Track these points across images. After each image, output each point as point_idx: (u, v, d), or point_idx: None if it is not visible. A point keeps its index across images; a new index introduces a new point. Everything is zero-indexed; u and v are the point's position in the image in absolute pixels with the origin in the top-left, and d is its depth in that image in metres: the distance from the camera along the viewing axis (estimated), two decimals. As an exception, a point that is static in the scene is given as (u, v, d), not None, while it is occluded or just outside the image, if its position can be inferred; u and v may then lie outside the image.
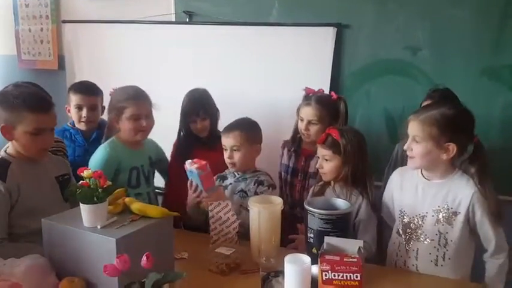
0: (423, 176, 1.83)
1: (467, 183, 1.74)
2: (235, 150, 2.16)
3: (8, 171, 1.76)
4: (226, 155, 2.19)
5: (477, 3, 2.51)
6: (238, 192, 2.17)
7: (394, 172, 2.00)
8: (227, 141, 2.18)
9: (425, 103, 2.25)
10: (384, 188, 2.04)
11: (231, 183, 2.21)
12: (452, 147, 1.70)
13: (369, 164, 2.02)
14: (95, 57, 3.42)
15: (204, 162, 1.92)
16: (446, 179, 1.77)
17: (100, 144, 2.29)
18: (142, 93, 2.26)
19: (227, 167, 2.24)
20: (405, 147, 1.80)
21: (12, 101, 1.76)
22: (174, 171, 2.48)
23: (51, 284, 1.45)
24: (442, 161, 1.74)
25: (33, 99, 1.80)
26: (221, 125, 2.40)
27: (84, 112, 2.54)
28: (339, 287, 1.42)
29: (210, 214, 1.91)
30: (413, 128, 1.76)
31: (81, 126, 2.57)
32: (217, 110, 2.52)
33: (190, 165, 1.91)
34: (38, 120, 1.77)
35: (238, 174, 2.22)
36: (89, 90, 2.58)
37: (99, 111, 2.62)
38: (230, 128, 2.21)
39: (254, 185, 2.16)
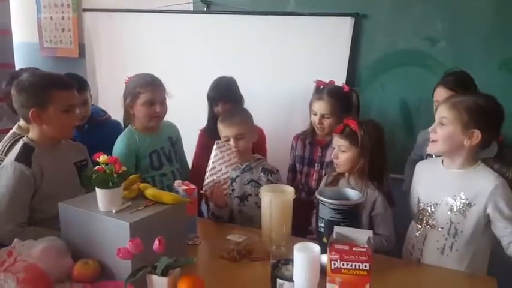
0: (443, 165, 1.80)
1: (489, 176, 1.70)
2: (239, 138, 2.15)
3: (32, 157, 1.78)
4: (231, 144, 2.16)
5: (497, -6, 2.46)
6: (249, 182, 2.15)
7: (418, 164, 1.97)
8: (230, 130, 2.15)
9: (439, 88, 2.23)
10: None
11: (238, 176, 2.17)
12: (477, 135, 1.67)
13: (386, 158, 1.99)
14: (114, 45, 3.47)
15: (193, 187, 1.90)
16: (466, 170, 1.74)
17: (91, 134, 2.39)
18: (158, 80, 2.30)
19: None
20: (430, 129, 1.76)
21: (41, 83, 1.77)
22: (200, 158, 2.51)
23: (66, 266, 1.50)
24: (463, 147, 1.70)
25: (58, 78, 1.84)
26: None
27: (76, 110, 2.31)
28: (348, 276, 1.43)
29: (214, 153, 2.01)
30: (443, 110, 1.72)
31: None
32: (241, 97, 2.55)
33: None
34: (69, 97, 1.82)
35: (242, 165, 2.18)
36: (79, 87, 2.28)
37: (89, 103, 2.55)
38: (230, 116, 2.20)
39: (265, 174, 2.15)
